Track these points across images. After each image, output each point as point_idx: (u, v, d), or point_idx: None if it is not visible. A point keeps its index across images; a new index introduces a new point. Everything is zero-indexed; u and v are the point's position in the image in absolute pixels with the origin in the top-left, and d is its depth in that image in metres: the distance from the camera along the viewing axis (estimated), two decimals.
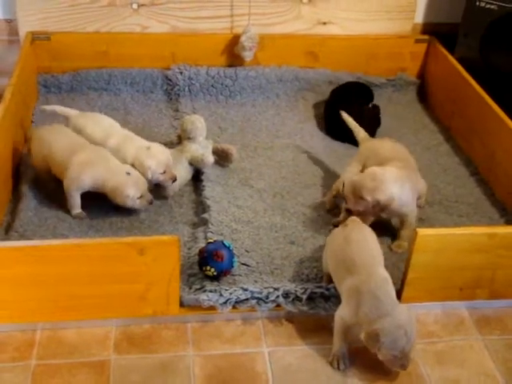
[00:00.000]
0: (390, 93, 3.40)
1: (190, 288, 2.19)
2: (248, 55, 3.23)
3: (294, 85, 3.33)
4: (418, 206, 2.51)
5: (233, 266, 2.23)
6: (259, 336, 2.13)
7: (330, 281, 2.16)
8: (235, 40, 3.23)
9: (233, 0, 3.22)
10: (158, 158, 2.43)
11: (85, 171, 2.37)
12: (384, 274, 2.03)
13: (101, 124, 2.63)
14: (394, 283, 2.11)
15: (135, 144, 2.50)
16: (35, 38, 3.14)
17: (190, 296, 2.14)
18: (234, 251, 2.29)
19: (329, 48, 3.34)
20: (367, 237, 2.15)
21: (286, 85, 3.32)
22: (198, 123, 2.71)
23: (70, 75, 3.21)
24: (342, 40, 3.36)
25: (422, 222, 2.56)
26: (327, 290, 2.18)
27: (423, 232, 2.09)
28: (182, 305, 2.14)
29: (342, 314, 1.99)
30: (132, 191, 2.35)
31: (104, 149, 2.46)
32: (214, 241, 2.25)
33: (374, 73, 3.36)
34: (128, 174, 2.36)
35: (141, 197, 2.38)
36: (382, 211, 2.28)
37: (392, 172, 2.29)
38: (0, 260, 1.96)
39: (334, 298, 2.16)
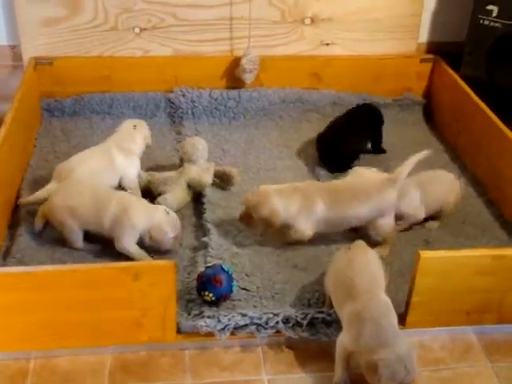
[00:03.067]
0: (395, 113, 3.32)
1: (189, 314, 2.11)
2: (249, 77, 3.18)
3: (298, 106, 3.27)
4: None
5: (232, 291, 2.15)
6: (259, 363, 2.04)
7: (332, 305, 2.07)
8: (236, 62, 3.19)
9: (232, 23, 3.18)
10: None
11: (133, 220, 2.28)
12: (386, 299, 1.95)
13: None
14: (398, 307, 2.03)
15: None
16: (38, 63, 3.12)
17: (188, 322, 2.06)
18: (234, 275, 2.21)
19: (332, 69, 3.29)
20: (370, 260, 2.07)
21: (289, 106, 3.26)
22: (198, 145, 2.66)
23: (72, 99, 3.17)
24: (346, 60, 3.30)
25: (428, 244, 2.48)
26: (329, 315, 2.10)
27: (426, 254, 2.01)
28: (179, 331, 2.07)
29: (343, 340, 1.91)
30: (170, 229, 2.30)
31: (128, 193, 2.43)
32: (213, 265, 2.18)
33: (379, 93, 3.30)
34: (167, 212, 2.32)
35: (175, 237, 2.33)
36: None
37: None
38: None
39: (335, 324, 2.07)
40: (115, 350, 2.06)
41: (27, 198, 2.52)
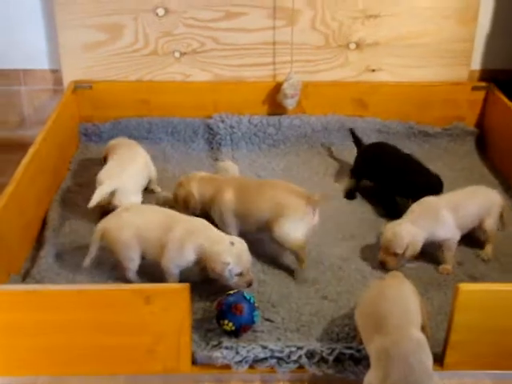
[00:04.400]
0: (445, 143, 3.15)
1: (207, 344, 1.96)
2: (290, 103, 3.08)
3: (341, 134, 3.13)
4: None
5: (254, 322, 1.99)
6: None
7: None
8: (278, 88, 3.10)
9: (275, 47, 3.09)
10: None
11: (186, 244, 2.10)
12: (419, 336, 1.75)
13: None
14: (437, 346, 1.83)
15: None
16: (77, 87, 3.10)
17: (204, 352, 1.92)
18: (259, 305, 2.06)
19: (378, 96, 3.15)
20: (404, 292, 1.88)
21: (332, 134, 3.13)
22: (230, 169, 2.56)
23: (110, 124, 3.14)
24: (393, 87, 3.16)
25: (475, 279, 2.27)
26: (358, 351, 1.91)
27: (467, 287, 1.81)
28: (194, 362, 1.92)
29: (370, 380, 1.72)
30: (232, 261, 2.05)
31: (200, 219, 2.21)
32: (234, 292, 2.03)
33: (427, 122, 3.13)
34: (232, 244, 2.09)
35: (240, 274, 2.09)
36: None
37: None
38: None
39: (365, 361, 1.88)
40: (127, 379, 1.93)
41: (92, 200, 2.42)
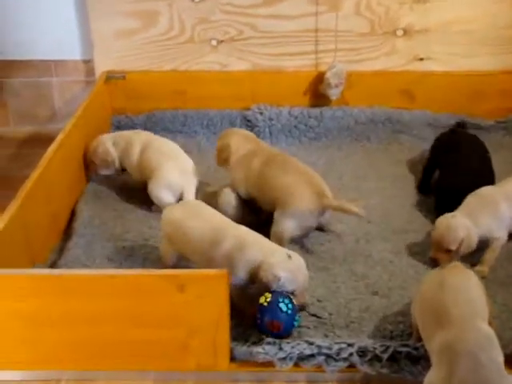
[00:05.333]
0: (500, 137, 2.92)
1: (247, 340, 1.78)
2: (334, 93, 2.90)
3: (387, 127, 2.94)
4: None
5: (294, 326, 1.79)
6: None
7: (420, 339, 1.68)
8: (320, 78, 2.92)
9: (318, 35, 2.92)
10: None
11: (235, 262, 1.83)
12: (488, 330, 1.54)
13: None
14: (504, 347, 1.62)
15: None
16: (110, 77, 2.97)
17: (243, 348, 1.73)
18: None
19: (427, 86, 2.95)
20: (469, 284, 1.68)
21: (377, 126, 2.93)
22: None
23: (144, 116, 2.99)
24: (443, 77, 2.95)
25: None
26: (415, 349, 1.71)
27: None
28: (233, 359, 1.74)
29: (431, 380, 1.51)
30: (285, 275, 1.79)
31: (250, 230, 1.94)
32: (269, 303, 1.77)
33: (480, 114, 2.92)
34: (289, 257, 1.83)
35: (293, 293, 1.81)
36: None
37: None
38: (17, 291, 1.64)
39: (424, 361, 1.68)
40: (158, 376, 1.75)
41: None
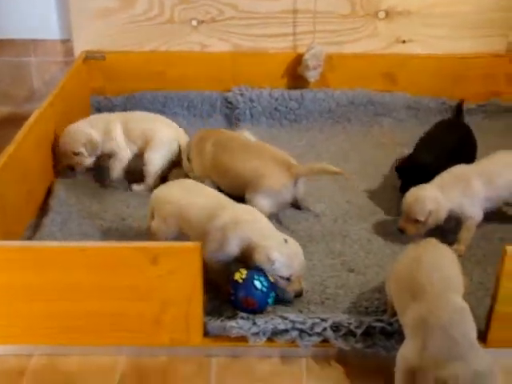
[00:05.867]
0: (479, 120, 2.93)
1: (221, 315, 1.78)
2: (312, 75, 2.89)
3: (368, 109, 2.94)
4: None
5: (269, 303, 1.79)
6: (300, 378, 1.69)
7: (395, 313, 1.69)
8: (299, 60, 2.91)
9: (297, 16, 2.91)
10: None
11: (229, 236, 1.82)
12: (461, 304, 1.56)
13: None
14: (478, 324, 1.62)
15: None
16: (89, 57, 2.94)
17: (217, 323, 1.73)
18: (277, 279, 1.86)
19: (409, 69, 2.95)
20: (443, 258, 1.69)
21: (358, 109, 2.93)
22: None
23: (123, 97, 2.97)
24: (425, 60, 2.95)
25: None
26: (390, 324, 1.72)
27: None
28: (206, 333, 1.73)
29: (404, 352, 1.52)
30: (280, 259, 1.78)
31: (252, 208, 1.96)
32: (243, 279, 1.77)
33: (462, 97, 2.91)
34: (285, 241, 1.82)
35: (289, 279, 1.81)
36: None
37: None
38: None
39: (398, 336, 1.69)
40: (130, 351, 1.75)
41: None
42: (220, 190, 2.19)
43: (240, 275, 1.78)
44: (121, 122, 2.48)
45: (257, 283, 1.76)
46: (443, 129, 2.50)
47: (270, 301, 1.79)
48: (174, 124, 2.55)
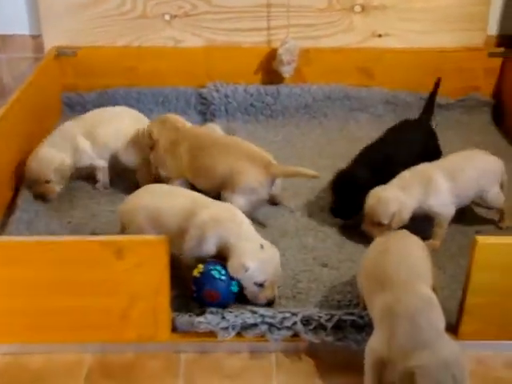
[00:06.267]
0: (458, 115, 2.97)
1: (189, 310, 1.79)
2: (287, 70, 2.91)
3: (345, 104, 2.96)
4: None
5: (234, 293, 1.80)
6: (270, 373, 1.69)
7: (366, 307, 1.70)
8: (273, 55, 2.92)
9: (271, 10, 2.93)
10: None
11: (208, 233, 1.82)
12: (428, 293, 1.57)
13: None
14: (451, 317, 1.65)
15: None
16: (60, 53, 2.94)
17: (185, 318, 1.73)
18: None
19: (386, 63, 2.97)
20: (412, 247, 1.71)
21: (335, 104, 2.96)
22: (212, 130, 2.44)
23: (96, 93, 2.97)
24: (402, 54, 2.97)
25: None
26: (360, 317, 1.74)
27: (486, 240, 1.62)
28: (174, 329, 1.74)
29: (372, 343, 1.53)
30: (253, 266, 1.78)
31: (232, 207, 1.96)
32: (201, 273, 1.78)
33: (439, 92, 2.90)
34: (261, 246, 1.81)
35: (262, 285, 1.80)
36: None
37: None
38: None
39: (369, 328, 1.68)
40: (97, 348, 1.74)
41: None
42: (195, 189, 2.19)
43: (198, 270, 1.79)
44: (84, 132, 2.39)
45: (215, 273, 1.77)
46: (398, 134, 2.38)
47: (233, 289, 1.79)
48: (139, 115, 2.53)
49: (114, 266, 1.63)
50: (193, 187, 2.23)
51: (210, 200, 1.95)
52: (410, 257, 1.65)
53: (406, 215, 2.04)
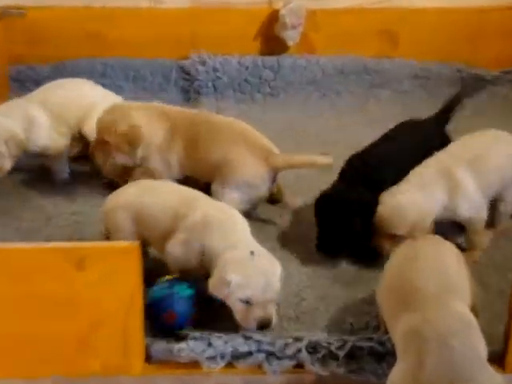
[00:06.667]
0: (506, 91, 3.01)
1: (167, 335, 1.80)
2: (291, 36, 2.97)
3: (363, 79, 3.03)
4: None
5: (194, 310, 1.83)
6: None
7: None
8: (275, 17, 2.98)
9: None
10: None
11: (192, 240, 1.88)
12: (464, 312, 1.59)
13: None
14: (495, 344, 1.69)
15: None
16: (5, 13, 2.97)
17: (162, 344, 1.75)
18: None
19: (413, 27, 3.02)
20: (445, 256, 1.73)
21: (350, 79, 3.02)
22: None
23: (51, 66, 3.03)
24: (434, 15, 3.03)
25: None
26: (381, 344, 1.76)
27: None
28: (149, 358, 1.76)
29: (395, 377, 1.54)
30: (236, 278, 1.77)
31: (230, 207, 1.99)
32: (159, 284, 1.84)
33: (481, 62, 3.00)
34: (251, 253, 1.81)
35: (249, 303, 1.78)
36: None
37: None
38: None
39: (391, 358, 1.70)
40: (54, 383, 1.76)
41: None
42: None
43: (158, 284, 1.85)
44: (39, 103, 2.44)
45: (174, 285, 1.82)
46: (401, 138, 2.33)
47: (192, 303, 1.82)
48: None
49: (74, 278, 1.64)
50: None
51: (203, 197, 2.00)
52: (443, 267, 1.67)
53: (428, 223, 2.03)
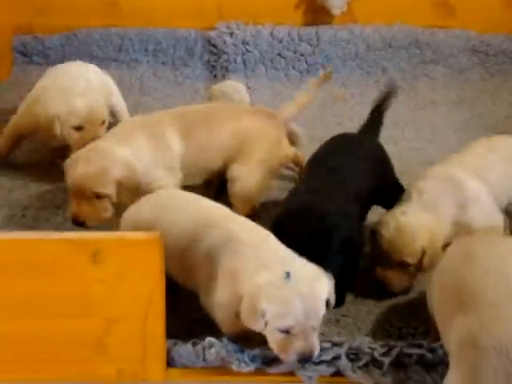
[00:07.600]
0: None
1: (192, 335, 1.84)
2: (337, 4, 3.01)
3: (413, 54, 3.06)
4: None
5: None
6: None
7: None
8: None
9: None
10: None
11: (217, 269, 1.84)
12: None
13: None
14: None
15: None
16: None
17: (186, 347, 1.79)
18: None
19: None
20: (507, 255, 1.74)
21: (398, 54, 3.06)
22: (232, 93, 2.54)
23: (61, 37, 3.09)
24: None
25: None
26: (431, 350, 1.78)
27: None
28: (171, 363, 1.79)
29: None
30: (273, 308, 1.72)
31: (253, 223, 1.97)
32: None
33: None
34: (287, 275, 1.75)
35: (288, 332, 1.72)
36: None
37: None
38: None
39: (443, 367, 1.73)
40: None
41: None
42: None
43: None
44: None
45: None
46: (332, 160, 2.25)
47: None
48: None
49: (88, 274, 1.69)
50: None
51: (218, 213, 1.99)
52: (504, 267, 1.68)
53: (439, 246, 2.04)
